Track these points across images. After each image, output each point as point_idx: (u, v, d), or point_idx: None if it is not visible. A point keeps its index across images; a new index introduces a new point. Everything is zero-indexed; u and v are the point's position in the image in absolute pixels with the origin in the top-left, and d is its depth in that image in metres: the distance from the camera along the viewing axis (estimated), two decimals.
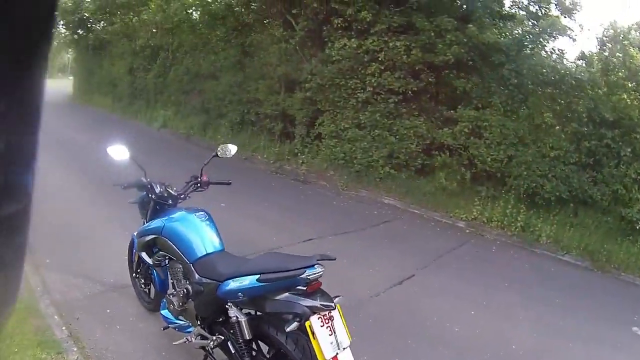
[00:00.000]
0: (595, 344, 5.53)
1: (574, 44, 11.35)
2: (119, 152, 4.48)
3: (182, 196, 4.50)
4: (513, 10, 11.91)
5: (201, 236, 3.81)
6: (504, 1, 12.11)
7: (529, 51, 11.15)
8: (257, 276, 3.09)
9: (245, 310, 3.30)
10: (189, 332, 3.86)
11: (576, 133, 9.87)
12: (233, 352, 3.40)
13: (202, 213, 4.05)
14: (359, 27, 11.65)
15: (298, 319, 2.91)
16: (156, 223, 4.21)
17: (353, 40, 11.56)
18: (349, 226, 8.57)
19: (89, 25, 27.04)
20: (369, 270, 6.64)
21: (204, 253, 3.69)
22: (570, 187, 9.47)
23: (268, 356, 3.39)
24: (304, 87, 12.66)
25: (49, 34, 1.18)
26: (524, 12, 11.61)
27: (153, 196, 4.40)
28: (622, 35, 11.59)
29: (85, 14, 25.63)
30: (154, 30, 20.16)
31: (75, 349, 4.19)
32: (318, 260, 3.02)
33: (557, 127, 10.41)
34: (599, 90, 10.34)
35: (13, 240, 1.29)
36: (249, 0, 15.49)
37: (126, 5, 22.95)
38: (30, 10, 1.04)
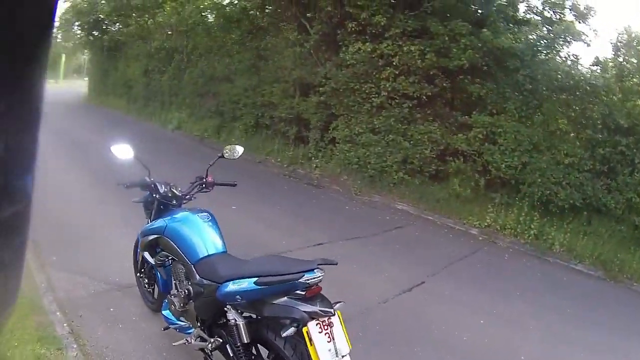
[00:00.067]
0: (607, 354, 5.53)
1: (589, 49, 11.23)
2: (123, 151, 4.53)
3: (188, 197, 4.53)
4: (528, 16, 11.91)
5: (203, 237, 3.83)
6: (518, 6, 12.13)
7: (543, 56, 11.17)
8: (255, 279, 3.09)
9: (246, 314, 3.30)
10: (190, 333, 3.89)
11: (590, 140, 9.85)
12: (231, 355, 3.41)
13: (206, 214, 4.08)
14: (374, 31, 11.73)
15: (296, 324, 2.91)
16: (159, 223, 4.24)
17: (367, 44, 11.64)
18: (360, 231, 8.59)
19: (104, 27, 27.44)
20: (379, 276, 6.66)
21: (206, 254, 3.71)
22: (584, 195, 9.44)
23: None
24: (318, 91, 12.76)
25: (48, 35, 1.19)
26: (539, 17, 11.59)
27: (157, 196, 4.43)
28: (636, 41, 11.55)
29: (101, 15, 25.94)
30: (169, 33, 20.39)
31: (75, 346, 4.25)
32: (319, 264, 3.01)
33: (572, 134, 10.40)
34: (614, 97, 10.34)
35: (13, 241, 1.30)
36: (263, 3, 15.61)
37: (141, 8, 23.25)
38: (29, 12, 1.06)
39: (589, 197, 9.46)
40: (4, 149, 1.10)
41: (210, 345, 3.55)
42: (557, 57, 11.38)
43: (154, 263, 4.36)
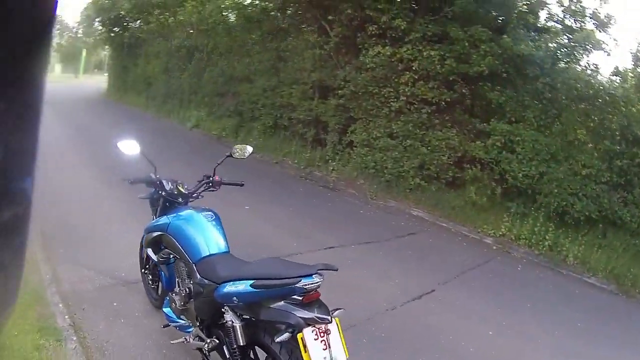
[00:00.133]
0: None
1: (608, 59, 11.18)
2: (129, 146, 4.54)
3: (195, 195, 4.54)
4: (549, 24, 11.91)
5: (205, 236, 3.84)
6: (539, 13, 12.13)
7: (563, 65, 11.15)
8: (252, 282, 3.07)
9: (245, 315, 3.27)
10: (189, 332, 3.91)
11: (608, 151, 9.82)
12: (228, 357, 3.40)
13: (210, 213, 4.09)
14: (394, 35, 11.79)
15: (291, 330, 2.88)
16: (163, 220, 4.27)
17: (387, 48, 11.69)
18: (373, 236, 8.63)
19: (125, 24, 27.79)
20: (389, 282, 6.65)
21: (207, 254, 3.72)
22: (600, 207, 9.40)
23: None
24: (337, 93, 12.86)
25: (49, 34, 1.20)
26: (560, 25, 11.57)
27: (163, 193, 4.46)
28: None
29: (121, 12, 26.25)
30: (190, 31, 20.60)
31: (74, 338, 4.32)
32: (319, 270, 2.99)
33: (590, 145, 10.37)
34: (633, 108, 10.27)
35: (13, 241, 1.31)
36: (284, 4, 15.70)
37: (162, 5, 23.58)
38: (29, 11, 1.07)
39: (605, 209, 9.41)
40: (4, 149, 1.12)
41: (207, 345, 3.56)
42: (577, 66, 11.35)
43: (156, 260, 4.38)
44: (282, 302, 2.99)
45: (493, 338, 5.60)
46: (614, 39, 11.25)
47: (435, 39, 11.54)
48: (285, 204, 9.97)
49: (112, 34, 29.70)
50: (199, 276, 3.60)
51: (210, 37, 19.03)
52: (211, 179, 4.58)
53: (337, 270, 3.05)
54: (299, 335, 2.84)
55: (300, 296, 2.94)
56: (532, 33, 11.65)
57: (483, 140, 10.70)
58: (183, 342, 3.90)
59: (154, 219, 4.61)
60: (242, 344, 3.26)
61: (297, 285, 2.88)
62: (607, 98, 10.40)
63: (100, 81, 36.86)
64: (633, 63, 11.48)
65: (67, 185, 9.10)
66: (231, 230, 6.47)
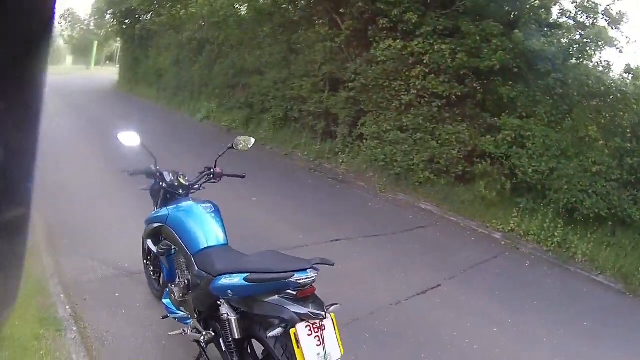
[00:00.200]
0: None
1: (620, 56, 11.06)
2: (129, 138, 4.53)
3: (197, 186, 4.54)
4: (561, 19, 11.88)
5: (204, 228, 3.84)
6: (551, 9, 12.10)
7: (575, 61, 11.12)
8: (245, 275, 3.07)
9: (241, 309, 3.26)
10: (188, 324, 3.94)
11: (619, 148, 9.74)
12: (224, 349, 3.41)
13: (209, 205, 4.09)
14: (405, 28, 11.79)
15: (284, 325, 2.88)
16: (162, 211, 4.30)
17: (398, 41, 11.71)
18: (381, 229, 8.64)
19: (136, 16, 27.88)
20: (394, 276, 6.65)
21: (206, 245, 3.73)
22: (609, 204, 9.32)
23: (261, 358, 3.38)
24: (348, 86, 12.90)
25: (49, 35, 1.20)
26: (572, 22, 11.52)
27: (163, 184, 4.46)
28: None
29: (133, 4, 26.32)
30: (201, 24, 20.65)
31: (74, 329, 4.36)
32: (315, 264, 2.96)
33: (601, 142, 10.31)
34: None
35: (13, 242, 1.32)
36: None
37: None
38: (29, 10, 1.08)
39: (615, 207, 9.33)
40: (4, 149, 1.12)
41: (203, 338, 3.59)
42: (589, 63, 11.29)
43: (156, 251, 4.41)
44: (276, 297, 2.99)
45: (497, 336, 5.56)
46: (626, 37, 11.13)
47: (447, 33, 11.54)
48: (294, 196, 10.05)
49: (124, 27, 29.88)
50: (197, 268, 3.63)
51: (221, 29, 19.07)
52: (212, 170, 4.59)
53: (333, 264, 3.02)
54: (291, 331, 2.84)
55: (294, 291, 2.92)
56: (545, 29, 11.62)
57: (493, 135, 10.68)
58: (181, 333, 3.93)
59: (154, 211, 4.64)
60: (237, 337, 3.26)
61: (291, 279, 2.87)
62: (619, 95, 10.32)
63: (111, 73, 37.09)
64: None
65: (75, 176, 9.23)
66: (237, 222, 6.52)
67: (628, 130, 9.96)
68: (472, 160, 10.90)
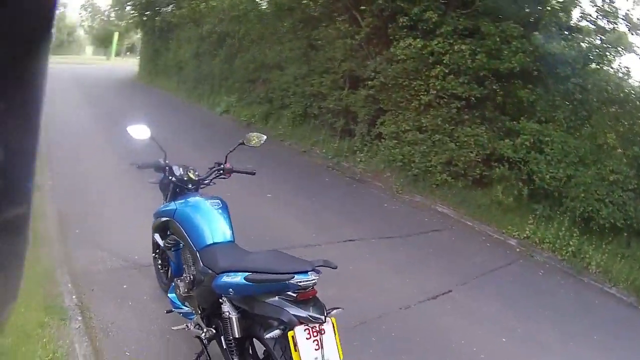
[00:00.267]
0: None
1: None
2: (139, 131, 4.57)
3: (207, 181, 4.59)
4: (581, 23, 11.82)
5: (210, 224, 3.86)
6: (571, 12, 12.06)
7: (594, 66, 11.05)
8: (246, 275, 3.08)
9: (242, 308, 3.28)
10: (192, 319, 3.99)
11: (637, 157, 9.68)
12: (224, 347, 3.44)
13: (217, 201, 4.11)
14: (425, 27, 11.81)
15: (282, 327, 2.89)
16: (170, 206, 4.34)
17: (418, 40, 11.72)
18: (395, 231, 8.69)
19: (156, 8, 28.09)
20: (405, 280, 6.67)
21: (211, 242, 3.75)
22: (625, 215, 9.25)
23: (261, 358, 3.41)
24: (367, 84, 12.93)
25: (49, 35, 1.19)
26: (592, 26, 11.48)
27: (173, 178, 4.47)
28: None
29: None
30: (221, 17, 20.75)
31: (80, 318, 4.46)
32: (318, 266, 2.97)
33: (619, 150, 10.25)
34: None
35: (13, 241, 1.31)
36: None
37: None
38: (30, 11, 1.06)
39: (630, 218, 9.26)
40: (4, 149, 1.11)
41: (204, 334, 3.65)
42: (609, 68, 11.24)
43: (163, 245, 4.50)
44: (276, 298, 3.00)
45: (505, 345, 5.56)
46: None
47: (466, 33, 11.55)
48: (309, 193, 10.10)
49: (144, 18, 30.08)
50: (201, 264, 3.66)
51: (241, 23, 19.14)
52: (222, 166, 4.61)
53: (336, 267, 3.02)
54: (289, 333, 2.85)
55: (294, 293, 2.93)
56: (565, 32, 11.59)
57: (512, 139, 10.66)
58: (184, 329, 3.98)
59: (163, 204, 4.69)
60: (237, 336, 3.29)
61: (291, 281, 2.88)
62: (638, 103, 10.30)
63: (131, 64, 37.37)
64: None
65: (92, 167, 9.45)
66: (250, 218, 6.65)
67: None
68: (490, 163, 10.89)
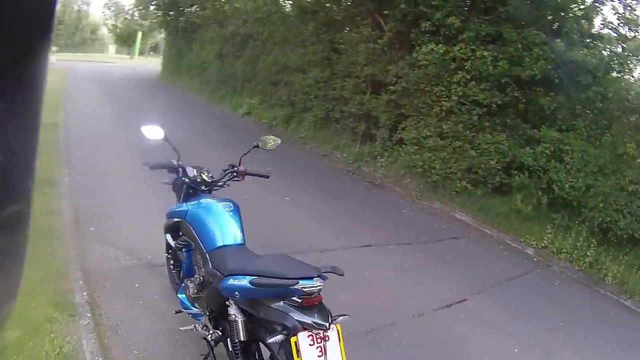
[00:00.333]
0: None
1: None
2: (153, 131, 4.59)
3: (220, 183, 4.58)
4: (603, 31, 11.86)
5: (221, 227, 3.88)
6: (593, 20, 12.11)
7: (616, 74, 11.07)
8: (251, 278, 3.10)
9: (248, 311, 3.29)
10: (200, 320, 4.05)
11: None
12: (230, 350, 3.45)
13: (228, 203, 4.10)
14: (447, 32, 11.93)
15: (285, 332, 2.88)
16: (182, 207, 4.36)
17: (440, 45, 11.81)
18: (413, 237, 8.78)
19: (180, 8, 28.52)
20: (420, 287, 6.71)
21: (222, 244, 3.76)
22: None
23: None
24: (389, 89, 13.09)
25: (49, 34, 1.20)
26: (614, 34, 11.52)
27: (186, 180, 4.48)
28: None
29: None
30: (245, 19, 21.06)
31: (89, 315, 4.52)
32: (325, 272, 2.96)
33: (638, 160, 10.22)
34: None
35: (13, 240, 1.32)
36: None
37: None
38: (30, 11, 1.08)
39: None
40: (4, 149, 1.13)
41: (210, 336, 3.69)
42: (630, 77, 11.29)
43: (174, 246, 4.53)
44: (281, 303, 3.00)
45: (517, 356, 5.58)
46: None
47: (489, 39, 11.63)
48: (329, 197, 10.19)
49: (168, 18, 30.54)
50: (211, 266, 3.69)
51: (265, 25, 19.39)
52: (236, 168, 4.60)
53: (343, 274, 3.01)
54: (292, 339, 2.86)
55: (299, 298, 2.93)
56: (586, 39, 11.66)
57: (532, 147, 10.73)
58: (192, 329, 4.05)
59: (176, 205, 4.71)
60: (242, 339, 3.32)
61: (296, 287, 2.88)
62: None
63: (154, 64, 37.83)
64: None
65: (109, 166, 9.68)
66: (267, 221, 6.82)
67: None
68: (510, 172, 10.98)
